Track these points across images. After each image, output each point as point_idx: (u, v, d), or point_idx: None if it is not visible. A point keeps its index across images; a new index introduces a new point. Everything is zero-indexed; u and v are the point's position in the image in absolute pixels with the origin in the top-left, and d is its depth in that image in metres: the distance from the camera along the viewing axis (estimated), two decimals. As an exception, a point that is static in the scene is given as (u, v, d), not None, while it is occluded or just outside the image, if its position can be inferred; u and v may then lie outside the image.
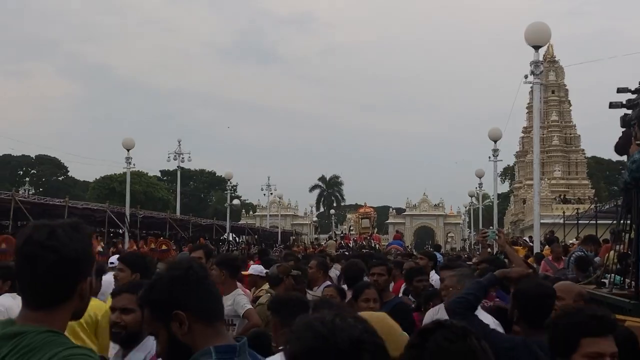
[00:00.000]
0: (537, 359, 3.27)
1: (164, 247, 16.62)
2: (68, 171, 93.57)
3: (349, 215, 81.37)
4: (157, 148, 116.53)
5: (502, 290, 5.65)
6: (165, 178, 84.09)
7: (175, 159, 41.55)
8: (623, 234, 6.69)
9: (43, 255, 1.85)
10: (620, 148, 6.43)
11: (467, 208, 58.77)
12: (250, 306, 5.84)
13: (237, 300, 5.77)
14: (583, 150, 63.59)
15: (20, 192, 56.19)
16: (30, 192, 67.92)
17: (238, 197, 66.26)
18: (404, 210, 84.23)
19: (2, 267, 5.20)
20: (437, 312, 5.08)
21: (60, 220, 2.00)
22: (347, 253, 21.06)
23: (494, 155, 26.14)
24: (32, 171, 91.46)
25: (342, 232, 62.32)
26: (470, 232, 58.85)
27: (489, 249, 9.37)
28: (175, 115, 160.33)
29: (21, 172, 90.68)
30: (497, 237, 6.60)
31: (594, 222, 23.90)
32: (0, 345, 1.82)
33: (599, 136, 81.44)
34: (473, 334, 1.88)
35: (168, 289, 2.09)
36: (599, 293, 6.47)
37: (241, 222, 63.91)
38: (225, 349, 2.01)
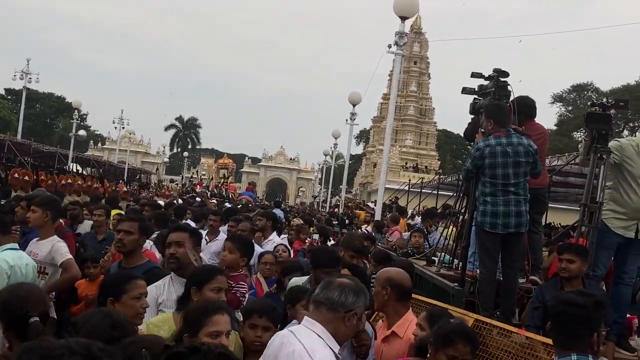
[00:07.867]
0: None
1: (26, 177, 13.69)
2: None
3: (203, 159, 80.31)
4: (8, 65, 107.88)
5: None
6: (9, 97, 78.21)
7: (22, 79, 38.55)
8: (458, 215, 6.90)
9: None
10: (469, 134, 6.42)
11: (321, 166, 59.82)
12: (70, 256, 5.40)
13: (57, 247, 5.31)
14: (435, 122, 66.62)
15: None
16: None
17: (87, 127, 63.09)
18: (260, 161, 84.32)
19: None
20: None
21: None
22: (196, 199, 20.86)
23: (350, 119, 26.57)
24: None
25: (191, 176, 61.54)
26: (320, 189, 59.91)
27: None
28: (30, 33, 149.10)
29: None
30: None
31: (436, 192, 25.12)
32: None
33: (452, 110, 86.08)
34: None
35: None
36: (427, 272, 6.61)
37: (88, 153, 61.08)
38: None
